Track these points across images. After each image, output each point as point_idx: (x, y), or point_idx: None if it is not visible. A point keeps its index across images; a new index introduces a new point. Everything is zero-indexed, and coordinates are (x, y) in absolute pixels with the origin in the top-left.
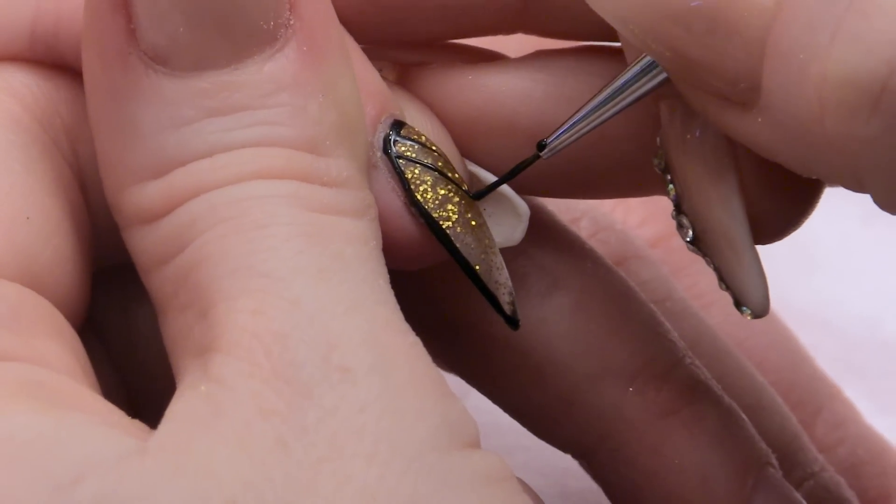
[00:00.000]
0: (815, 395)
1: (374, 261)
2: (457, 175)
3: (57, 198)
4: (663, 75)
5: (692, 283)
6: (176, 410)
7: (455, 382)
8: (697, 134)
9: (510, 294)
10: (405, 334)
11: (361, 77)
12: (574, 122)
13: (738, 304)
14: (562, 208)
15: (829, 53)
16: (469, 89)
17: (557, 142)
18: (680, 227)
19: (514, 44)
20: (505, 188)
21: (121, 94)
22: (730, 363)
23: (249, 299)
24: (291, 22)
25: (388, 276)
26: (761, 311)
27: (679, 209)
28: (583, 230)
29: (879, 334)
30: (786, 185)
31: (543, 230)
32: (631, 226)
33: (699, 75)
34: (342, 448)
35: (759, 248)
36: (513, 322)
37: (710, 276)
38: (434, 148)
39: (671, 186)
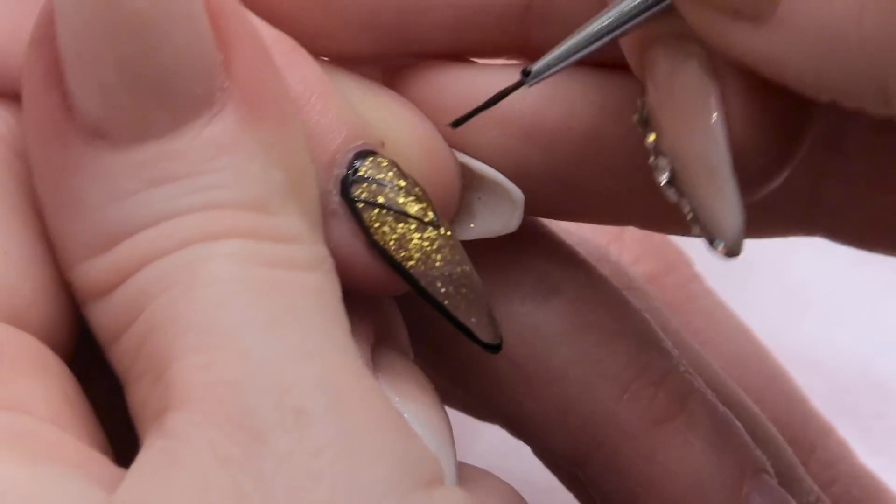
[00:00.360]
0: (810, 434)
1: (329, 311)
2: (423, 205)
3: (35, 229)
4: (658, 6)
5: (686, 321)
6: (135, 468)
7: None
8: (685, 70)
9: (488, 316)
10: (361, 378)
11: (324, 109)
12: (563, 51)
13: (712, 240)
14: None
15: None
16: (462, 83)
17: (544, 68)
18: (655, 168)
19: None
20: (497, 175)
21: (62, 171)
22: (725, 393)
23: (199, 355)
24: (226, 85)
25: (347, 325)
26: (734, 245)
27: (657, 153)
28: None
29: (871, 375)
30: (771, 120)
31: (536, 238)
32: (625, 263)
33: None
34: (299, 496)
35: (749, 289)
36: (491, 348)
37: (704, 315)
38: (398, 182)
39: (651, 134)
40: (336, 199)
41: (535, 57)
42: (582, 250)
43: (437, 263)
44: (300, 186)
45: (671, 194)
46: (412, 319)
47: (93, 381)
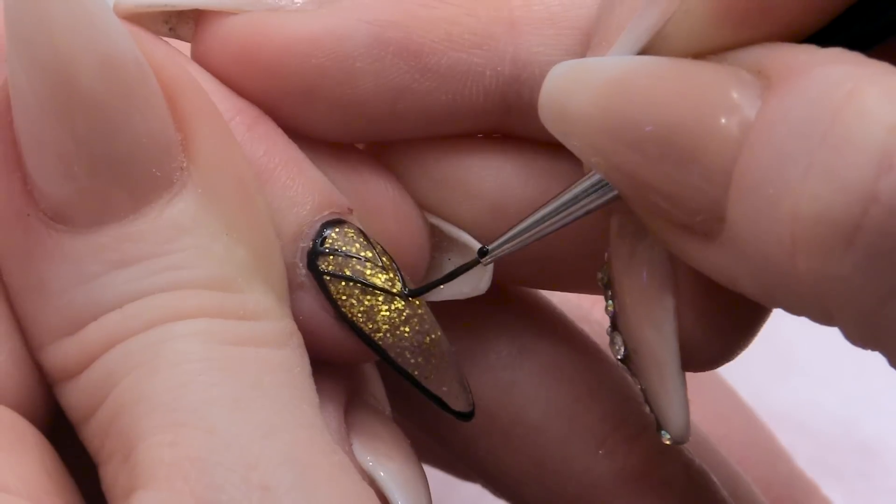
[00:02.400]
0: (794, 493)
1: (296, 387)
2: (390, 275)
3: (6, 300)
4: (614, 192)
5: None
6: None
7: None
8: (644, 254)
9: (459, 384)
10: (329, 454)
11: (289, 180)
12: (517, 232)
13: (659, 428)
14: None
15: (802, 189)
16: (437, 156)
17: (499, 250)
18: (612, 343)
19: None
20: (468, 238)
21: (25, 256)
22: (706, 453)
23: (165, 433)
24: (185, 164)
25: (316, 400)
26: (681, 437)
27: (614, 326)
28: None
29: (856, 436)
30: (723, 316)
31: (512, 294)
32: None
33: (658, 203)
34: None
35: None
36: (463, 416)
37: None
38: (365, 253)
39: (610, 302)
40: (303, 271)
41: (515, 137)
42: (563, 308)
43: (406, 334)
44: (265, 262)
45: (625, 371)
46: (390, 373)
47: (77, 447)
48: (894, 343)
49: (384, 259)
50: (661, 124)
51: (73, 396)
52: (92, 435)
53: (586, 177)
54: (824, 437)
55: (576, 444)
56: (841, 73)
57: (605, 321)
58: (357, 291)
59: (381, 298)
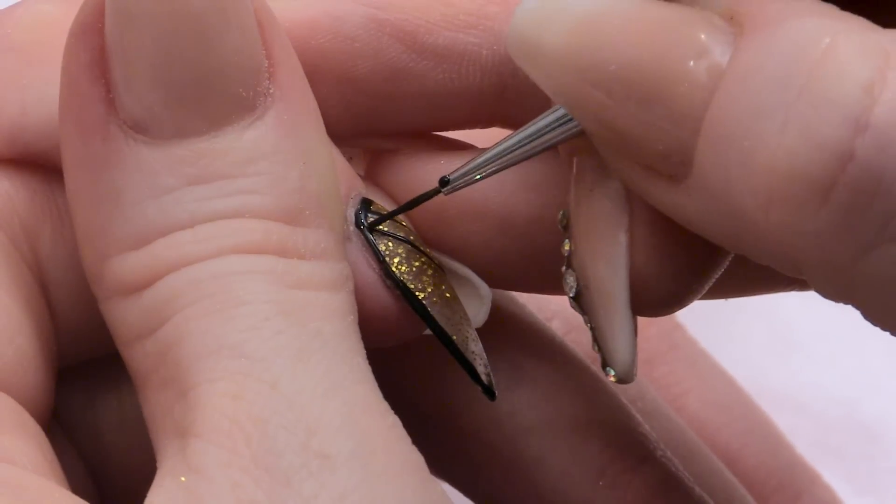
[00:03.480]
0: (795, 481)
1: (352, 337)
2: (428, 249)
3: (17, 299)
4: (579, 127)
5: (668, 371)
6: (156, 499)
7: None
8: (601, 191)
9: (485, 366)
10: (384, 415)
11: (337, 151)
12: (480, 163)
13: (605, 366)
14: (534, 308)
15: (778, 144)
16: (440, 175)
17: (461, 180)
18: (564, 282)
19: (488, 138)
20: (467, 272)
21: (101, 164)
22: (701, 461)
23: (229, 382)
24: (271, 90)
25: (364, 351)
26: (625, 375)
27: (569, 264)
28: (555, 330)
29: (857, 417)
30: (677, 257)
31: (511, 323)
32: None
33: (624, 143)
34: None
35: (735, 330)
36: (490, 392)
37: (687, 364)
38: (404, 223)
39: (567, 241)
40: (352, 227)
41: (513, 126)
42: (561, 315)
43: (447, 301)
44: (331, 200)
45: (576, 309)
46: (397, 407)
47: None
48: (865, 297)
49: (420, 238)
50: (627, 64)
51: (130, 313)
52: (143, 356)
53: (551, 110)
54: (825, 418)
55: (575, 474)
56: (817, 26)
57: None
58: (403, 251)
59: (425, 262)
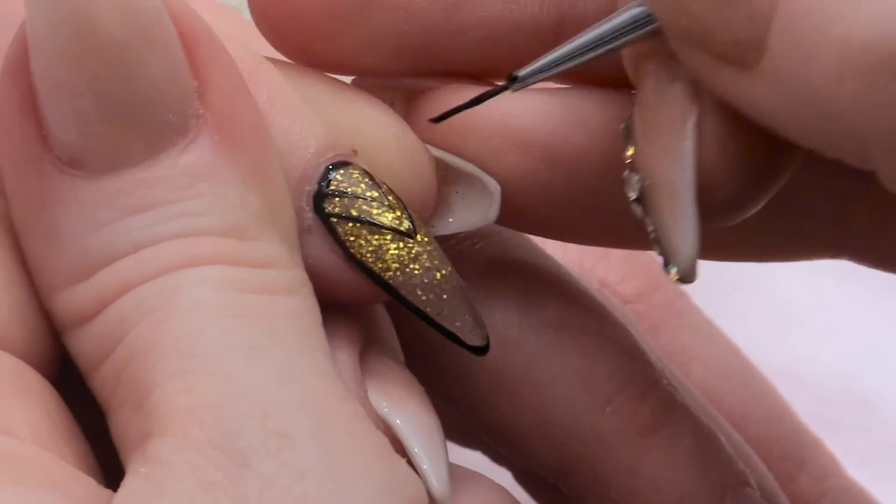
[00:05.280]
0: (799, 448)
1: (309, 335)
2: (397, 213)
3: (10, 248)
4: (650, 27)
5: (673, 337)
6: (120, 497)
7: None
8: (670, 92)
9: (473, 319)
10: (343, 401)
11: (291, 124)
12: (548, 62)
13: (667, 264)
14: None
15: (855, 15)
16: (484, 106)
17: (531, 78)
18: (627, 183)
19: None
20: (474, 168)
21: (38, 201)
22: (706, 419)
23: (180, 380)
24: (201, 112)
25: (327, 349)
26: (688, 272)
27: (631, 168)
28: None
29: (855, 390)
30: (745, 157)
31: (518, 251)
32: (612, 282)
33: (696, 31)
34: None
35: (733, 304)
36: (478, 350)
37: (691, 332)
38: (371, 192)
39: (630, 148)
40: (310, 215)
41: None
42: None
43: (416, 272)
44: (277, 211)
45: (638, 211)
46: (396, 331)
47: (81, 401)
48: None
49: (390, 198)
50: None
51: (85, 343)
52: (103, 382)
53: (621, 10)
54: (823, 391)
55: (582, 402)
56: None
57: (604, 286)
58: (365, 232)
59: (388, 237)
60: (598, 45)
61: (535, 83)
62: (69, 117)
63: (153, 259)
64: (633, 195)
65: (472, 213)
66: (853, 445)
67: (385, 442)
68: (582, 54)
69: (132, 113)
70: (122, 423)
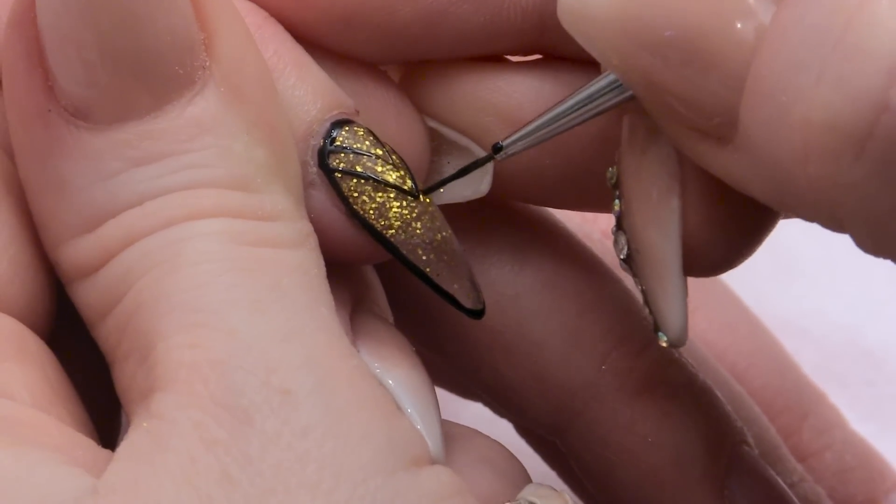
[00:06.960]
0: (802, 401)
1: (314, 289)
2: (401, 172)
3: (8, 207)
4: (629, 93)
5: None
6: (122, 451)
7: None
8: (654, 154)
9: (470, 282)
10: (347, 358)
11: (298, 80)
12: (532, 128)
13: (657, 329)
14: None
15: (814, 96)
16: (475, 81)
17: (514, 146)
18: (616, 243)
19: None
20: (467, 141)
21: (45, 152)
22: (707, 372)
23: (185, 335)
24: (207, 64)
25: (332, 303)
26: (678, 340)
27: (619, 226)
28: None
29: (860, 343)
30: (728, 221)
31: (513, 207)
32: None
33: (673, 106)
34: (287, 478)
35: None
36: (474, 313)
37: (692, 284)
38: (375, 150)
39: (617, 202)
40: (314, 169)
41: (555, 54)
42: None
43: (418, 231)
44: (283, 163)
45: (626, 271)
46: (392, 288)
47: (76, 360)
48: None
49: (394, 157)
50: (680, 28)
51: (90, 294)
52: (107, 333)
53: (602, 76)
54: (828, 344)
55: (578, 358)
56: None
57: (606, 237)
58: (369, 188)
59: (392, 195)
60: (581, 108)
61: (518, 152)
62: (76, 68)
63: (158, 211)
64: (621, 256)
65: (463, 186)
66: (859, 398)
67: (388, 398)
68: (564, 120)
69: (138, 64)
70: (126, 376)
